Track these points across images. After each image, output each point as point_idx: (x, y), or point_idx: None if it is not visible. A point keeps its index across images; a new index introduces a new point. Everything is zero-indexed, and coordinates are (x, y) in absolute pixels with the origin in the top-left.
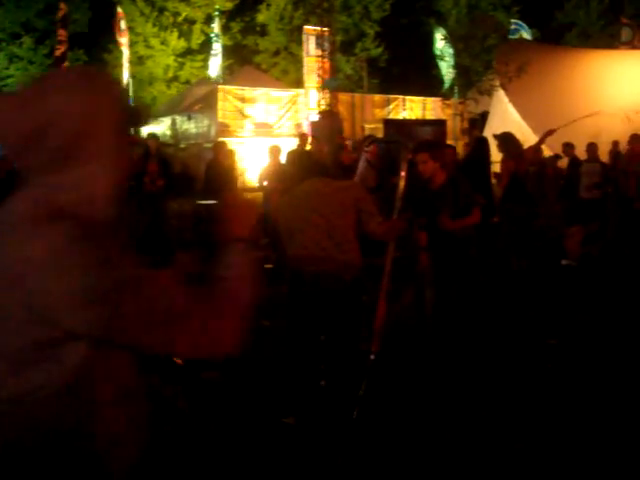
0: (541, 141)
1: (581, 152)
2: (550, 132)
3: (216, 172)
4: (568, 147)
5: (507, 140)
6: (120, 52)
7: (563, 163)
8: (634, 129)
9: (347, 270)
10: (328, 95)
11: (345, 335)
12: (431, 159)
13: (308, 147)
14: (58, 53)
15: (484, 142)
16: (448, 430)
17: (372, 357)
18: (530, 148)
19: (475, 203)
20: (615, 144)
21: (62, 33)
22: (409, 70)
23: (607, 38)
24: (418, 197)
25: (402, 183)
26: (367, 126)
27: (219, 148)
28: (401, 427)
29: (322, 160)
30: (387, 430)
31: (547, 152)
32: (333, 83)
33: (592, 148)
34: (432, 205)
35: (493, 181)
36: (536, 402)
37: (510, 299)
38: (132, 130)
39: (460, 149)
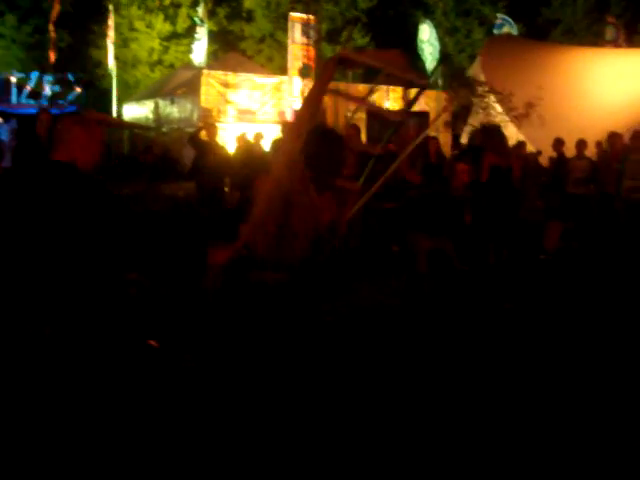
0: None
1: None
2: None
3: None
4: (558, 143)
5: (489, 133)
6: (104, 34)
7: (543, 159)
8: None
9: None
10: (312, 83)
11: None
12: (468, 172)
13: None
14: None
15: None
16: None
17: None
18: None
19: None
20: (599, 143)
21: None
22: None
23: (592, 36)
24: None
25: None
26: (350, 115)
27: (211, 129)
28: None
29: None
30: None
31: (530, 148)
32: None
33: (581, 144)
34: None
35: None
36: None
37: (487, 292)
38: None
39: (443, 140)
